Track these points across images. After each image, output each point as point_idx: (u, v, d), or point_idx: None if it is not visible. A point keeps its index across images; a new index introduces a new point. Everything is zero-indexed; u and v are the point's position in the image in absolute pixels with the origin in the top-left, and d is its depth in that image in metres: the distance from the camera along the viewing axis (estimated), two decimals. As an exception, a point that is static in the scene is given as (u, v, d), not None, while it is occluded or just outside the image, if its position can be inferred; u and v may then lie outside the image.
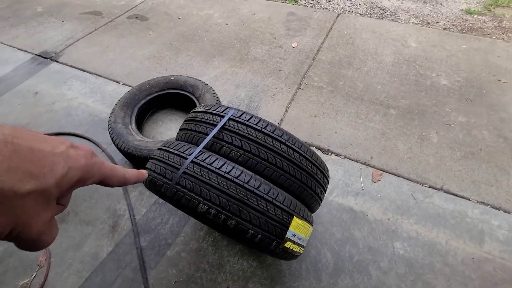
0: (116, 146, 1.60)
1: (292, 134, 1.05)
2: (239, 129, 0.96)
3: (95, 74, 2.37)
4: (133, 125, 1.74)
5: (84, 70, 2.40)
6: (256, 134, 0.95)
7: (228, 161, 0.90)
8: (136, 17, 3.06)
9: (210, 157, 0.90)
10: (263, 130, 0.95)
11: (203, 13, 3.10)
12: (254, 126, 0.96)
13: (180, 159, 0.91)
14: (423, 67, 2.35)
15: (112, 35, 2.80)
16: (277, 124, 1.92)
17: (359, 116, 1.98)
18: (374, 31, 2.78)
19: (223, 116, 0.99)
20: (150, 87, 1.91)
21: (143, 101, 1.87)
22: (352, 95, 2.14)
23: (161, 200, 1.57)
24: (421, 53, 2.48)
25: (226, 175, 0.86)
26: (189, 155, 0.90)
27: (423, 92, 2.15)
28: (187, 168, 0.87)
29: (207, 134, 0.98)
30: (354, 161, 1.73)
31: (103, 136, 1.88)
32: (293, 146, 0.97)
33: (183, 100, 1.94)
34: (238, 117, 0.98)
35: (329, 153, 1.78)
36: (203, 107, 1.09)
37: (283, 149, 0.95)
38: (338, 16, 3.00)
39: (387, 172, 1.66)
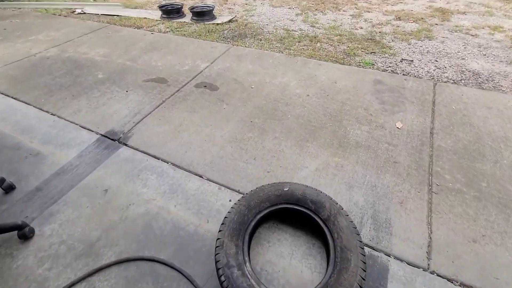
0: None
1: None
2: None
3: (172, 163, 1.97)
4: (248, 265, 1.26)
5: (158, 158, 2.01)
6: None
7: None
8: (205, 86, 2.73)
9: None
10: None
11: (277, 81, 2.74)
12: None
13: None
14: None
15: (182, 108, 2.45)
16: (425, 254, 1.40)
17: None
18: (489, 106, 2.31)
19: None
20: (260, 201, 1.45)
21: (253, 223, 1.40)
22: (509, 204, 1.61)
23: None
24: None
25: None
26: None
27: None
28: None
29: None
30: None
31: (195, 263, 1.40)
32: None
33: (300, 217, 1.47)
34: None
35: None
36: None
37: None
38: (435, 85, 2.57)
39: None
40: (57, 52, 3.47)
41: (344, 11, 4.72)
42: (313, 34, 3.88)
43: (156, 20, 4.48)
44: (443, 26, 3.91)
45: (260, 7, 5.05)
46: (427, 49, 3.36)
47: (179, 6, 4.53)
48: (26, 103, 2.60)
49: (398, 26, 3.99)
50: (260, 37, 3.80)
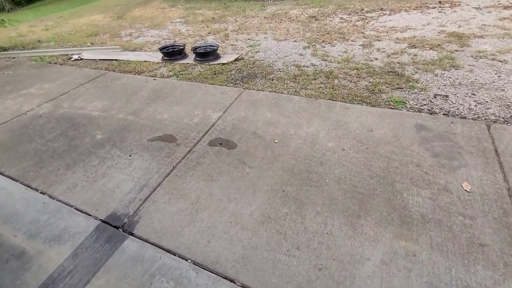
0: None
1: None
2: None
3: (193, 261, 1.52)
4: None
5: (174, 253, 1.56)
6: None
7: None
8: (220, 143, 2.34)
9: None
10: None
11: (303, 133, 2.36)
12: None
13: None
14: None
15: (198, 176, 2.03)
16: None
17: None
18: None
19: None
20: None
21: None
22: None
23: None
24: None
25: None
26: None
27: None
28: None
29: None
30: None
31: None
32: None
33: None
34: None
35: None
36: None
37: None
38: (489, 128, 2.19)
39: None
40: (50, 108, 3.10)
41: (352, 41, 4.48)
42: (328, 69, 3.57)
43: (158, 63, 4.19)
44: (465, 53, 3.63)
45: (264, 42, 4.81)
46: (458, 80, 3.03)
47: (181, 47, 4.26)
48: (12, 178, 2.18)
49: (416, 55, 3.71)
50: (272, 76, 3.48)
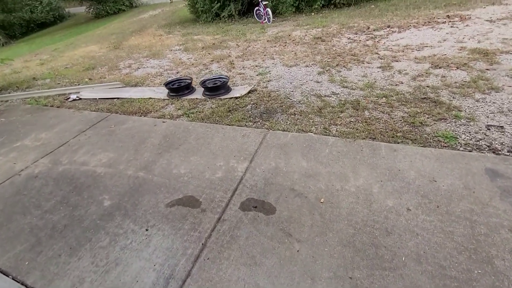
0: None
1: None
2: None
3: None
4: None
5: None
6: None
7: None
8: (255, 206, 1.93)
9: None
10: None
11: (352, 187, 1.97)
12: None
13: None
14: None
15: (236, 259, 1.60)
16: None
17: None
18: None
19: None
20: None
21: None
22: None
23: None
24: None
25: None
26: None
27: None
28: None
29: None
30: None
31: None
32: None
33: None
34: None
35: None
36: None
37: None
38: None
39: None
40: (48, 165, 2.69)
41: (368, 63, 4.18)
42: (352, 98, 3.23)
43: (164, 100, 3.82)
44: (498, 71, 3.32)
45: (274, 69, 4.50)
46: (504, 105, 2.69)
47: (188, 82, 3.92)
48: (2, 271, 1.74)
49: (444, 77, 3.39)
50: (293, 111, 3.12)
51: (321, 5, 7.80)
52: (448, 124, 2.53)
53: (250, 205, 1.92)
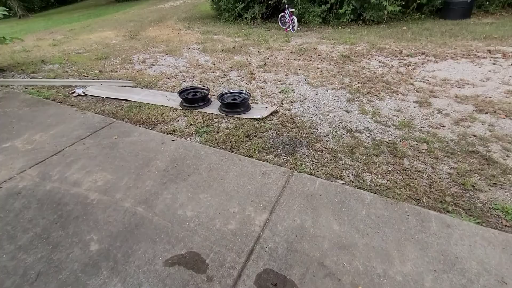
0: None
1: None
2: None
3: None
4: None
5: None
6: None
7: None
8: (274, 284, 1.52)
9: None
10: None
11: (397, 273, 1.55)
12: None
13: None
14: None
15: None
16: None
17: None
18: None
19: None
20: None
21: None
22: None
23: None
24: None
25: None
26: None
27: None
28: None
29: None
30: None
31: None
32: None
33: None
34: None
35: None
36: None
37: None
38: None
39: None
40: (35, 179, 2.30)
41: (402, 94, 3.74)
42: (388, 138, 2.80)
43: (176, 110, 3.41)
44: (555, 128, 2.89)
45: (298, 87, 4.07)
46: None
47: (205, 93, 3.51)
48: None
49: (492, 126, 2.95)
50: (320, 146, 2.70)
51: (349, 19, 7.33)
52: (506, 193, 2.11)
53: (268, 281, 1.52)
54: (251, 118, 3.14)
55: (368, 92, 3.81)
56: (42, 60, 5.92)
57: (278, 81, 4.33)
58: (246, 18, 8.85)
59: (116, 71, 5.07)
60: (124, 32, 8.73)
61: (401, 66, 4.64)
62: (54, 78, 4.52)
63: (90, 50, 6.75)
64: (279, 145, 2.71)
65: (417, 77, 4.21)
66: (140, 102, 3.57)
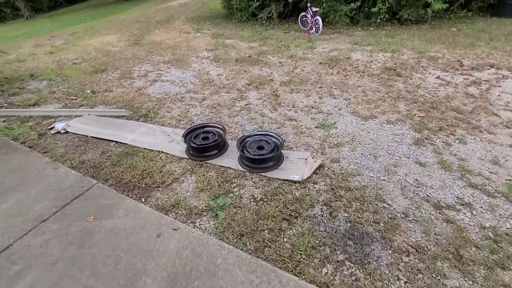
0: None
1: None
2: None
3: None
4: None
5: None
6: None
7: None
8: None
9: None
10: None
11: None
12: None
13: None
14: None
15: None
16: None
17: None
18: None
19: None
20: None
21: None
22: None
23: None
24: None
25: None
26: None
27: None
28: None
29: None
30: None
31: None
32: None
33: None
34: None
35: None
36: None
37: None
38: None
39: None
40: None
41: (489, 132, 2.64)
42: (506, 225, 1.76)
43: (181, 159, 2.43)
44: None
45: (340, 119, 3.02)
46: None
47: (219, 133, 2.51)
48: None
49: None
50: (402, 242, 1.66)
51: (383, 18, 6.12)
52: None
53: None
54: (285, 180, 2.13)
55: (439, 129, 2.73)
56: (32, 75, 5.02)
57: (312, 107, 3.28)
58: (261, 18, 7.71)
59: (112, 91, 4.12)
60: (127, 36, 7.75)
61: (469, 85, 3.51)
62: (34, 105, 3.60)
63: (87, 60, 5.82)
64: (336, 239, 1.71)
65: (499, 103, 3.09)
66: (134, 147, 2.60)
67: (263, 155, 2.21)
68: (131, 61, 5.50)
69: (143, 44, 6.83)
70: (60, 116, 3.29)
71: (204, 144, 2.40)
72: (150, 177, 2.24)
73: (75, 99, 3.86)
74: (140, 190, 2.12)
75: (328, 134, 2.75)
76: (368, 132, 2.75)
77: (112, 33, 8.47)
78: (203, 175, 2.24)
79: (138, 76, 4.68)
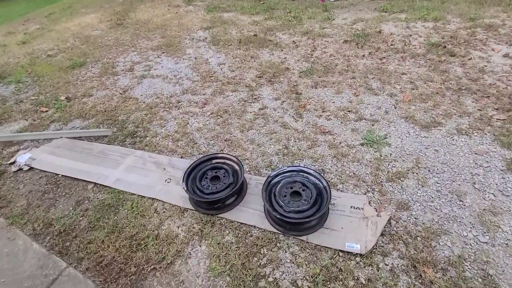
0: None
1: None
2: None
3: None
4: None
5: None
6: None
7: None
8: None
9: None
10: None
11: None
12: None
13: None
14: None
15: None
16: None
17: None
18: None
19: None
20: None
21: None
22: None
23: None
24: None
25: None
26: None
27: None
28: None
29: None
30: None
31: None
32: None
33: None
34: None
35: None
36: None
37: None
38: None
39: None
40: None
41: None
42: None
43: (183, 213, 1.71)
44: None
45: (390, 128, 2.21)
46: None
47: (235, 176, 1.75)
48: None
49: None
50: None
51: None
52: None
53: None
54: (340, 251, 1.42)
55: (535, 141, 1.93)
56: (-2, 76, 4.12)
57: (348, 110, 2.45)
58: (262, -18, 6.38)
59: (91, 94, 3.26)
60: (109, 15, 6.56)
61: (553, 66, 2.61)
62: (-7, 126, 2.80)
63: (64, 50, 4.82)
64: None
65: None
66: (119, 192, 1.87)
67: (303, 211, 1.47)
68: (114, 49, 4.51)
69: (127, 25, 5.72)
70: (25, 141, 2.52)
71: (215, 192, 1.65)
72: (142, 250, 1.54)
73: (46, 111, 3.03)
74: (128, 278, 1.43)
75: (381, 156, 1.97)
76: (436, 150, 1.96)
77: (92, 12, 7.22)
78: (218, 244, 1.53)
79: (122, 70, 3.76)
